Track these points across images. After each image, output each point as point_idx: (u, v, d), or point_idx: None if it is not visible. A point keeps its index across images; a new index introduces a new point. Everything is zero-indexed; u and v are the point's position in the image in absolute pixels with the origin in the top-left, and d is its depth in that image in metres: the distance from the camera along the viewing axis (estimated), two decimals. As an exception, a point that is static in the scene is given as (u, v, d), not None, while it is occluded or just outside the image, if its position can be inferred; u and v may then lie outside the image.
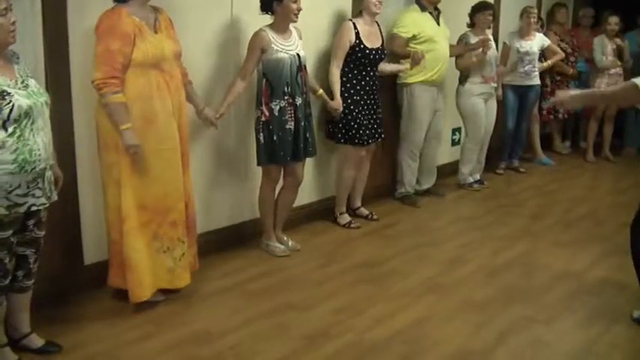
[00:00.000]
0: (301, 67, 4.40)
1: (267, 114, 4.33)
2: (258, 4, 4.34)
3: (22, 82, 2.94)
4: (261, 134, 4.36)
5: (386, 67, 5.42)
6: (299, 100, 4.38)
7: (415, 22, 5.64)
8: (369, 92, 5.13)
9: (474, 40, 6.17)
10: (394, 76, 5.74)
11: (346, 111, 5.04)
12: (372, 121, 5.19)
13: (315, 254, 4.70)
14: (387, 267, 4.50)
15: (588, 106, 7.70)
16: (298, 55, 4.38)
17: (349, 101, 5.04)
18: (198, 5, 4.25)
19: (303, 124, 4.43)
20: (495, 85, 6.46)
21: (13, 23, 2.92)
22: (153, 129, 3.56)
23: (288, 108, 4.34)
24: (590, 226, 5.50)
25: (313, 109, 5.01)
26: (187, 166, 3.85)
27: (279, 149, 4.36)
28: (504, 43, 7.00)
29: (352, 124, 5.06)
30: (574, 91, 3.41)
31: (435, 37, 5.67)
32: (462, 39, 6.25)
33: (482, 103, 6.36)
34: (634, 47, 7.83)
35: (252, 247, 4.70)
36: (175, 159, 3.68)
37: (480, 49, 6.07)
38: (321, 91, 4.87)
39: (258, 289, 4.12)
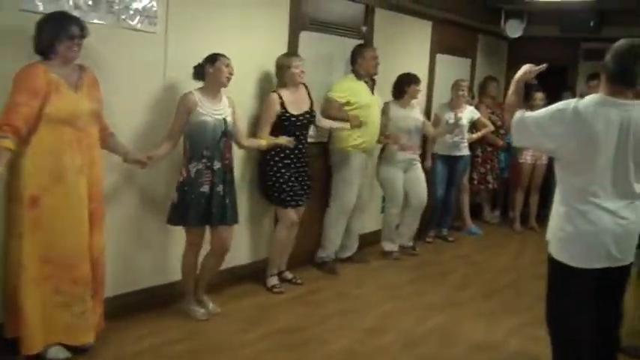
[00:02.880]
0: (226, 133, 4.45)
1: (184, 175, 4.37)
2: (188, 66, 4.42)
3: None
4: (176, 194, 4.39)
5: (326, 122, 5.55)
6: (217, 165, 4.39)
7: (351, 90, 5.79)
8: (299, 155, 5.21)
9: (394, 110, 6.32)
10: (327, 141, 5.85)
11: (278, 174, 5.11)
12: (301, 184, 5.27)
13: (237, 318, 4.66)
14: (308, 334, 4.48)
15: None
16: (225, 120, 4.43)
17: (280, 165, 5.12)
18: (132, 66, 4.30)
19: (220, 189, 4.43)
20: (415, 155, 6.55)
21: None
22: (60, 185, 3.59)
23: (205, 171, 4.37)
24: (511, 297, 5.60)
25: (246, 171, 5.10)
26: (98, 225, 3.84)
27: (190, 211, 4.36)
28: (435, 114, 7.20)
29: (284, 186, 5.13)
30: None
31: (367, 106, 5.82)
32: (383, 110, 6.26)
33: (399, 171, 6.42)
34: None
35: (174, 309, 4.63)
36: (81, 216, 3.68)
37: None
38: (264, 142, 4.91)
39: (174, 353, 4.04)
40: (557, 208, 3.32)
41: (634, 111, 3.10)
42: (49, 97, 3.52)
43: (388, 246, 6.59)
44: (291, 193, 5.17)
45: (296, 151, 5.17)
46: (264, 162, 5.17)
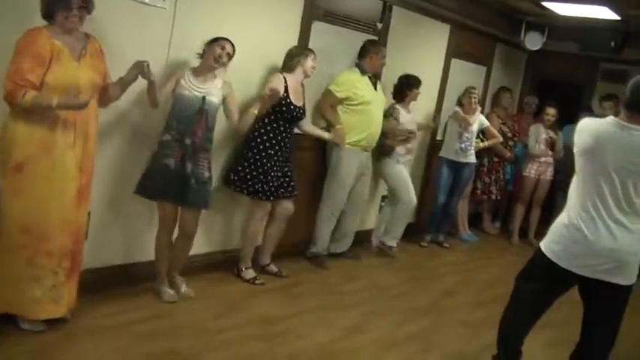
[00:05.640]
0: (202, 111, 4.33)
1: (156, 146, 4.36)
2: (194, 46, 4.43)
3: None
4: (149, 163, 4.37)
5: (309, 128, 5.46)
6: (188, 141, 4.30)
7: (352, 84, 5.67)
8: (283, 147, 5.07)
9: (402, 114, 6.29)
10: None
11: (258, 164, 4.96)
12: (280, 177, 5.11)
13: (213, 304, 4.60)
14: (283, 326, 4.43)
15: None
16: (204, 98, 4.35)
17: (263, 154, 4.97)
18: (137, 39, 4.28)
19: (188, 167, 4.32)
20: (412, 157, 6.61)
21: None
22: (48, 155, 3.54)
23: (174, 144, 4.30)
24: (498, 309, 5.44)
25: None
26: (85, 199, 3.80)
27: (151, 182, 4.32)
28: (450, 116, 7.11)
29: (261, 177, 4.97)
30: None
31: (370, 102, 5.73)
32: (391, 112, 6.29)
33: (402, 166, 6.44)
34: (571, 140, 8.02)
35: (147, 288, 4.58)
36: (63, 189, 3.62)
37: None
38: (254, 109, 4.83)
39: (145, 331, 4.01)
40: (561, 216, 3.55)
41: None
42: (50, 65, 3.47)
43: (390, 241, 6.54)
44: (265, 186, 4.99)
45: (282, 143, 5.05)
46: (246, 147, 5.00)
